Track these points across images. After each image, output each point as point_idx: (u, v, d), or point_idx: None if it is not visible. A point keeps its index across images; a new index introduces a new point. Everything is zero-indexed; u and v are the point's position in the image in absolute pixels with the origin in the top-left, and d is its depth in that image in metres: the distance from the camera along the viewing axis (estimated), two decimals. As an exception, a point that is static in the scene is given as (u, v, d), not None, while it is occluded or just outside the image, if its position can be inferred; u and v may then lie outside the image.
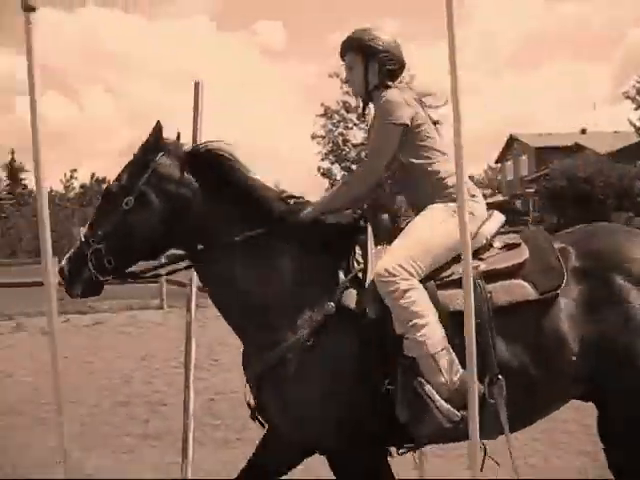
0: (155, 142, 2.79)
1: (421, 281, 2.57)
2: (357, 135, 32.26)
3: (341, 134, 32.76)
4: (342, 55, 3.01)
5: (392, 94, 2.84)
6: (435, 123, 2.95)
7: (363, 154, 30.93)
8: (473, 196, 2.82)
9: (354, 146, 32.33)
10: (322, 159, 33.22)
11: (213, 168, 2.78)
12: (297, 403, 2.56)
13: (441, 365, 2.46)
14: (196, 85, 3.66)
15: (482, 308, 2.52)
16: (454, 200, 2.66)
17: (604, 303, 2.59)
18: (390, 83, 2.91)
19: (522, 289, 2.62)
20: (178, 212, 2.73)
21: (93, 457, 4.43)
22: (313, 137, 33.08)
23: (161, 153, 2.78)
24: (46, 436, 4.95)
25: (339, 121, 32.72)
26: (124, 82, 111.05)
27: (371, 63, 2.91)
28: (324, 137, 32.93)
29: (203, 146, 2.85)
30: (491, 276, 2.62)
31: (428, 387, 2.44)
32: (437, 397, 2.44)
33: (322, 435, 2.61)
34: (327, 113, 32.56)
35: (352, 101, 30.61)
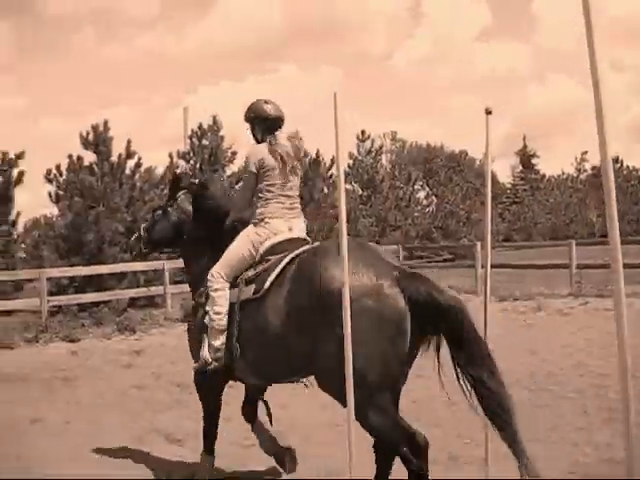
0: (176, 187, 4.97)
1: (236, 278, 4.22)
2: None
3: None
4: None
5: (251, 151, 4.43)
6: (284, 164, 4.34)
7: None
8: (266, 223, 4.26)
9: None
10: None
11: (201, 199, 4.79)
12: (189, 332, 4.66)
13: (214, 333, 4.16)
14: None
15: (236, 301, 4.11)
16: (255, 224, 4.30)
17: (290, 301, 3.79)
18: (268, 137, 4.39)
19: (250, 290, 4.06)
20: (177, 226, 4.89)
21: None
22: None
23: (183, 191, 4.93)
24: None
25: None
26: (631, 55, 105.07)
27: (255, 128, 4.51)
28: None
29: (200, 183, 4.99)
30: (249, 280, 4.13)
31: (205, 344, 4.24)
32: (206, 350, 4.23)
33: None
34: None
35: None
